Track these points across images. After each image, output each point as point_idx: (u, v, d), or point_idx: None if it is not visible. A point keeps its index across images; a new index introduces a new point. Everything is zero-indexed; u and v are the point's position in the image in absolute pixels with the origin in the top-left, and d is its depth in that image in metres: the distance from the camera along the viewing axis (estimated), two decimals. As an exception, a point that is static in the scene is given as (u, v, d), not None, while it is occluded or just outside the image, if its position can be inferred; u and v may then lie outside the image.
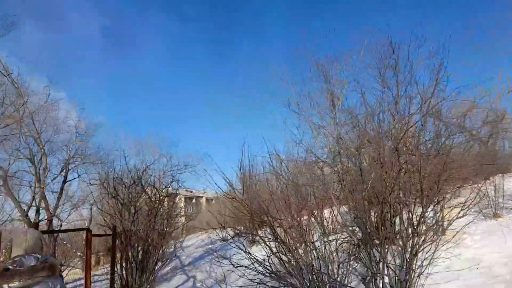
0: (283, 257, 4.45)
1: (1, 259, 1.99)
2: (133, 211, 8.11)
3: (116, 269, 7.82)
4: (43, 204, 12.31)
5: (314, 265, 4.10)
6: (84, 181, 14.31)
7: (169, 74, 60.91)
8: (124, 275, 7.98)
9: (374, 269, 4.23)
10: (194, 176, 13.14)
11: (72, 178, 14.16)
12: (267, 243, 4.75)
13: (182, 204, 9.50)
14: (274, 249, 4.62)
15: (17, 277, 1.89)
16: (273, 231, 4.42)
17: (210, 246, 15.01)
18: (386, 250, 4.19)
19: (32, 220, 11.34)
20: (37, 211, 11.87)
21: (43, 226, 12.02)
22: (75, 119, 14.11)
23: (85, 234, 10.55)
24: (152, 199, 8.50)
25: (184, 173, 10.50)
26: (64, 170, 13.45)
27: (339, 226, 5.87)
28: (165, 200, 9.10)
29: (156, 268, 8.48)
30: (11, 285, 1.86)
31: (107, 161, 13.01)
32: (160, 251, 8.62)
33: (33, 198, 11.65)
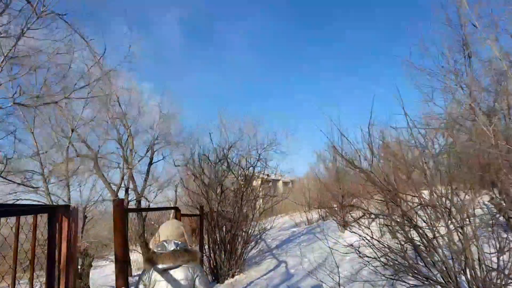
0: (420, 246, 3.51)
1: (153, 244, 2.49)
2: (220, 191, 7.72)
3: (204, 251, 7.56)
4: (131, 185, 12.71)
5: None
6: (169, 163, 14.54)
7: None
8: (213, 257, 7.68)
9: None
10: (280, 155, 12.60)
11: (157, 160, 14.48)
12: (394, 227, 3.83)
13: (259, 187, 8.91)
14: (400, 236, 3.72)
15: (160, 260, 2.37)
16: (403, 213, 3.49)
17: (294, 229, 14.50)
18: None
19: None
20: (126, 191, 12.28)
21: (132, 206, 12.45)
22: (158, 100, 14.22)
23: (172, 214, 10.59)
24: (239, 179, 8.05)
25: (270, 151, 9.91)
26: (150, 152, 13.75)
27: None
28: (252, 180, 8.61)
29: (244, 251, 8.08)
30: (157, 266, 2.35)
31: (190, 141, 12.90)
32: (247, 233, 8.19)
33: (122, 178, 12.07)
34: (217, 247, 7.66)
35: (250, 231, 8.17)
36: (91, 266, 10.05)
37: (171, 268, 2.39)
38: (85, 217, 10.39)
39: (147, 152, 12.92)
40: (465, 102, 7.91)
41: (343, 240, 9.18)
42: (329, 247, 5.72)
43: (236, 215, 7.77)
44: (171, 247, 2.45)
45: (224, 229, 7.77)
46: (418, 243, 3.41)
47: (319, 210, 15.08)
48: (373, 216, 4.23)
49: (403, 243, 3.51)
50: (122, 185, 12.18)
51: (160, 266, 2.39)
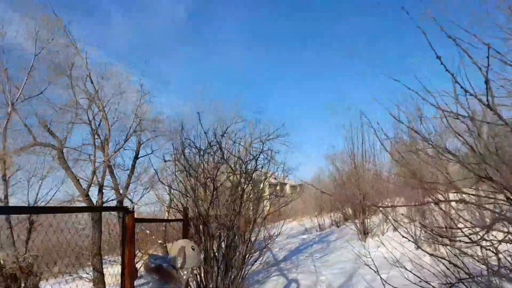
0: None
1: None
2: (212, 188, 5.89)
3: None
4: (111, 183, 10.79)
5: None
6: (157, 157, 12.52)
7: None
8: (203, 276, 5.87)
9: None
10: (287, 148, 10.68)
11: (145, 154, 12.47)
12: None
13: (266, 190, 7.10)
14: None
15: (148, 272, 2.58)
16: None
17: (304, 236, 12.68)
18: None
19: (95, 201, 9.82)
20: (100, 190, 10.28)
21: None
22: (139, 79, 11.99)
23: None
24: (236, 174, 6.21)
25: (275, 141, 8.05)
26: (136, 145, 11.84)
27: None
28: (254, 175, 6.77)
29: (244, 265, 6.27)
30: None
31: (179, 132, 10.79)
32: (247, 243, 6.38)
33: (94, 173, 9.99)
34: (208, 260, 5.85)
35: (251, 239, 6.38)
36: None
37: (148, 283, 2.54)
38: (31, 222, 8.52)
39: (126, 140, 10.82)
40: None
41: (367, 250, 7.40)
42: (373, 267, 3.99)
43: (233, 220, 5.96)
44: (150, 261, 2.59)
45: (217, 237, 5.97)
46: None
47: (332, 214, 13.37)
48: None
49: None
50: (96, 182, 10.16)
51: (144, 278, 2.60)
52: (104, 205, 9.93)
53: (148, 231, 13.06)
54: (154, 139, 11.90)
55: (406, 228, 8.65)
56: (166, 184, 6.43)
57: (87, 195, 9.59)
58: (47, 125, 9.37)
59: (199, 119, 5.94)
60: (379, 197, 9.43)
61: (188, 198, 5.84)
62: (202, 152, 5.70)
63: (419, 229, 7.03)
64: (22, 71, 8.55)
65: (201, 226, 5.74)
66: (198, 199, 5.81)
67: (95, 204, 9.12)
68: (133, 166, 11.89)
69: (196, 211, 5.80)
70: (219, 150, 5.94)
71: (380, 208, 9.35)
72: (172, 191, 6.09)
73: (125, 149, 11.58)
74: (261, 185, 7.23)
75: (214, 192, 5.95)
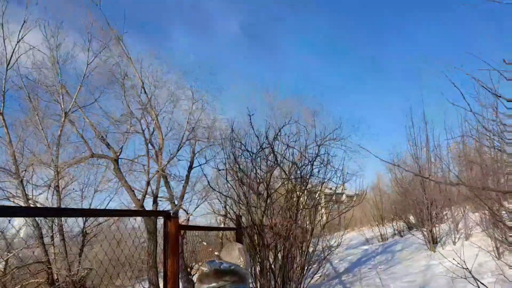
0: None
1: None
2: (265, 194, 5.56)
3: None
4: (166, 193, 10.83)
5: None
6: (211, 167, 12.37)
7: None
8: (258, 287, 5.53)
9: None
10: (346, 152, 9.98)
11: (199, 164, 12.40)
12: None
13: (322, 200, 6.57)
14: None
15: (204, 279, 2.31)
16: None
17: (365, 247, 11.90)
18: None
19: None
20: (155, 201, 10.32)
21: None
22: (192, 85, 11.90)
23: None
24: (291, 178, 5.82)
25: (332, 146, 7.57)
26: (190, 154, 11.83)
27: None
28: (309, 181, 6.34)
29: (302, 278, 5.84)
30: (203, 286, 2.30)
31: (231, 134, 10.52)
32: (306, 254, 5.94)
33: (148, 183, 10.06)
34: (264, 272, 5.50)
35: (310, 249, 5.94)
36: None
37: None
38: (84, 234, 8.56)
39: (179, 149, 10.80)
40: None
41: (438, 260, 6.64)
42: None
43: (289, 229, 5.57)
44: (214, 266, 2.36)
45: (273, 249, 5.61)
46: None
47: (394, 224, 12.45)
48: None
49: None
50: (151, 192, 10.22)
51: (204, 286, 2.27)
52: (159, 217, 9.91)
53: (205, 243, 12.96)
54: (209, 148, 11.77)
55: (486, 237, 7.76)
56: (217, 190, 6.18)
57: (142, 206, 9.68)
58: (103, 136, 9.65)
59: (250, 121, 5.63)
60: (447, 203, 8.55)
61: (241, 205, 5.55)
62: (253, 156, 5.40)
63: (501, 238, 6.18)
64: (76, 81, 8.84)
65: (255, 235, 5.42)
66: (251, 206, 5.50)
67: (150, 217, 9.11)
68: (188, 177, 11.88)
69: (250, 219, 5.49)
70: (272, 154, 5.60)
71: (451, 215, 8.49)
72: (225, 198, 5.82)
73: (179, 160, 11.63)
74: (317, 192, 6.75)
75: (268, 199, 5.62)
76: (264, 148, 5.44)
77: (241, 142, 5.38)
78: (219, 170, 6.95)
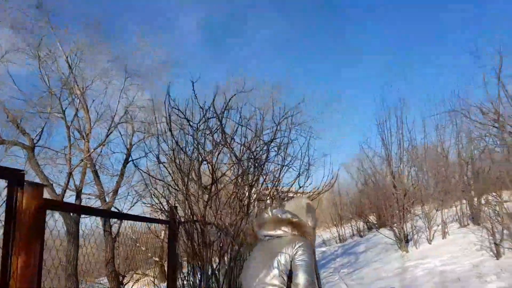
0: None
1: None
2: (210, 180, 4.36)
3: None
4: (96, 189, 9.21)
5: None
6: (151, 160, 10.86)
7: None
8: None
9: None
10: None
11: (138, 157, 10.77)
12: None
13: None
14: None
15: (261, 226, 2.31)
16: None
17: (323, 249, 11.00)
18: None
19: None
20: (78, 196, 8.69)
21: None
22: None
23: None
24: (243, 160, 4.67)
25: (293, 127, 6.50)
26: (127, 146, 10.26)
27: None
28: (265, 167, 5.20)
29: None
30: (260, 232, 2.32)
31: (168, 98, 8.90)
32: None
33: (70, 175, 8.37)
34: (203, 280, 4.29)
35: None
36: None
37: (271, 236, 2.19)
38: None
39: (108, 135, 9.19)
40: None
41: (416, 262, 5.81)
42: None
43: (239, 225, 4.43)
44: (276, 212, 2.27)
45: (218, 249, 4.43)
46: None
47: (353, 223, 11.73)
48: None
49: None
50: (73, 184, 8.56)
51: (263, 232, 2.24)
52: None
53: (143, 248, 11.41)
54: (149, 139, 10.23)
55: (469, 234, 7.15)
56: (144, 171, 4.82)
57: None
58: (17, 120, 7.88)
59: (193, 88, 4.40)
60: (420, 197, 7.88)
61: (177, 193, 4.31)
62: (195, 129, 4.18)
63: (498, 233, 5.47)
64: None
65: (195, 232, 4.20)
66: (190, 195, 4.27)
67: (67, 213, 7.50)
68: (123, 171, 10.35)
69: (189, 211, 4.27)
70: (221, 129, 4.42)
71: (421, 212, 7.80)
72: (156, 185, 4.48)
73: (113, 152, 10.09)
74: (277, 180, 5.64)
75: (214, 187, 4.44)
76: (209, 118, 4.25)
77: (178, 108, 4.13)
78: (159, 163, 5.61)
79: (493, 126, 7.81)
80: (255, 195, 4.93)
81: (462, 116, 8.79)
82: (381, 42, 48.08)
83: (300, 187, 5.06)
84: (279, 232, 2.18)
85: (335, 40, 49.70)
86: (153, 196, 4.11)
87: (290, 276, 2.07)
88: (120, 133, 9.88)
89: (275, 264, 2.05)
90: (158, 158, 4.22)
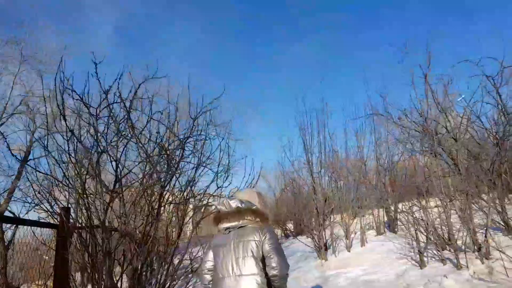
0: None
1: None
2: (114, 176, 3.70)
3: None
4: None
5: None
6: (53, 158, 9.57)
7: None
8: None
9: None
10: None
11: (39, 156, 9.39)
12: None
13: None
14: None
15: (224, 218, 2.39)
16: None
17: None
18: None
19: None
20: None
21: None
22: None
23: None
24: (152, 156, 4.10)
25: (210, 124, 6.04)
26: (27, 141, 8.90)
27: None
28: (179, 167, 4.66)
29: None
30: (221, 225, 2.39)
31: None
32: (169, 266, 4.27)
33: None
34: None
35: (175, 260, 4.26)
36: None
37: (234, 227, 2.28)
38: None
39: (1, 124, 7.84)
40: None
41: (337, 272, 5.69)
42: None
43: (147, 230, 3.84)
44: (234, 204, 2.33)
45: (121, 259, 3.78)
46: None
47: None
48: None
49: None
50: None
51: (224, 225, 2.30)
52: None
53: (46, 257, 9.93)
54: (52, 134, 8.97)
55: (386, 242, 7.24)
56: (32, 166, 3.92)
57: None
58: None
59: (96, 70, 3.71)
60: (339, 204, 7.93)
61: (70, 190, 3.57)
62: (94, 112, 3.51)
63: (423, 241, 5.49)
64: None
65: (89, 238, 3.50)
66: (88, 194, 3.57)
67: None
68: (20, 171, 9.01)
69: (86, 214, 3.56)
70: (127, 118, 3.80)
71: (339, 220, 7.86)
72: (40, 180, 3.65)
73: (9, 149, 8.70)
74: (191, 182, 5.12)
75: (118, 184, 3.79)
76: (113, 103, 3.61)
77: (73, 89, 3.42)
78: (63, 162, 4.74)
79: (416, 130, 7.66)
80: (166, 197, 4.38)
81: (386, 120, 8.66)
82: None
83: (218, 187, 4.67)
84: (244, 221, 2.26)
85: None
86: (36, 193, 3.31)
87: (263, 261, 2.20)
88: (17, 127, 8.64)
89: (249, 253, 2.16)
90: (46, 148, 3.43)
